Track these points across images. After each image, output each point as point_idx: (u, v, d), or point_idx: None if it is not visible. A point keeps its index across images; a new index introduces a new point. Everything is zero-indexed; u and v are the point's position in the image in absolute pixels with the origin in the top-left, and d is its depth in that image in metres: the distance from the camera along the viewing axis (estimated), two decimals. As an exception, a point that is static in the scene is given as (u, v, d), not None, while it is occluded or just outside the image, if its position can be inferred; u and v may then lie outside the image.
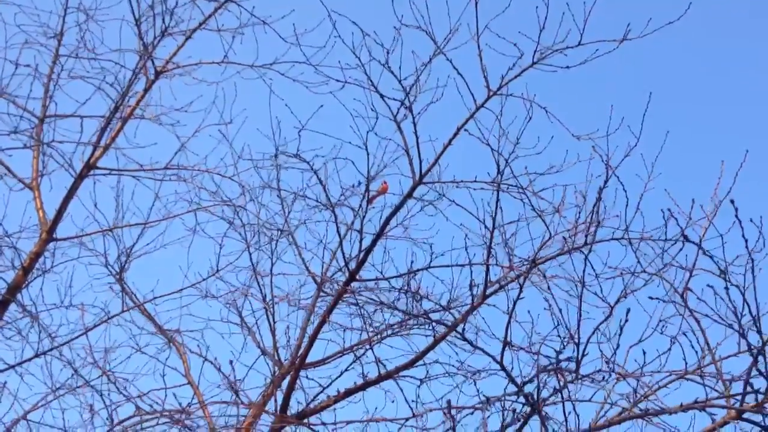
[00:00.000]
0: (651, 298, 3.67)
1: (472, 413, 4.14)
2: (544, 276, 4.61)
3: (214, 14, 6.65)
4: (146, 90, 6.44)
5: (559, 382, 3.95)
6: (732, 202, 3.38)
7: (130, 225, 5.96)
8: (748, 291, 3.35)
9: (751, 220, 3.47)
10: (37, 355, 5.51)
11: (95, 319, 5.67)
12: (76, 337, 5.56)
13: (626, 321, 3.38)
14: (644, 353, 3.38)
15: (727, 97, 12.47)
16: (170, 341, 5.67)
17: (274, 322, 5.57)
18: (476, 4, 5.38)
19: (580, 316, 3.54)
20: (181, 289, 5.84)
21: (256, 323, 5.67)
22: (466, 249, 4.82)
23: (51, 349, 5.53)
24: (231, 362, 5.27)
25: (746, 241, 3.32)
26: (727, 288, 3.34)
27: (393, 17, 5.44)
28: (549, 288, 4.32)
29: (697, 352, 3.63)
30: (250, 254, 5.79)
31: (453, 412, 3.80)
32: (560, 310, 3.66)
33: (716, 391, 3.74)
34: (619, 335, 3.43)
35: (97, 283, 5.84)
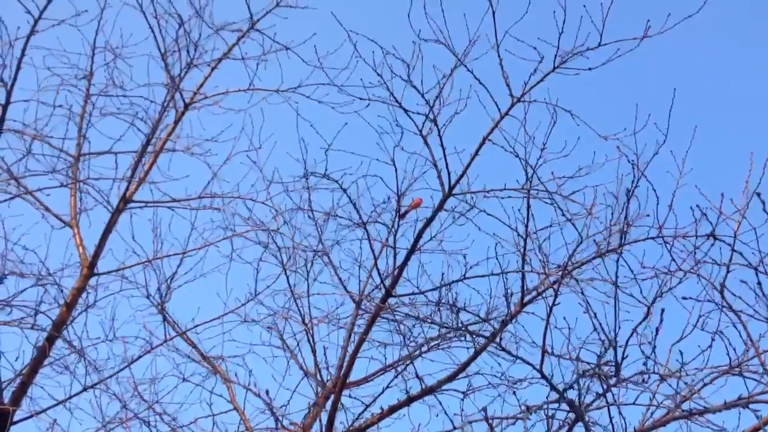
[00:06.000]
0: (684, 298, 3.61)
1: (514, 423, 4.11)
2: (577, 281, 4.57)
3: (237, 43, 6.76)
4: (176, 122, 6.55)
5: (602, 387, 3.91)
6: (758, 195, 3.32)
7: (169, 255, 6.05)
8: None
9: (780, 211, 3.41)
10: (84, 390, 5.59)
11: (140, 350, 5.75)
12: (122, 370, 5.66)
13: (661, 321, 3.34)
14: (681, 353, 3.33)
15: (754, 87, 12.27)
16: (214, 368, 5.73)
17: (315, 343, 5.62)
18: (494, 13, 5.40)
19: (617, 318, 3.49)
20: (222, 316, 5.91)
21: (298, 345, 5.73)
22: (497, 258, 4.80)
23: (98, 383, 5.61)
24: (267, 391, 5.32)
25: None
26: (759, 283, 3.28)
27: (412, 33, 5.49)
28: (583, 293, 4.27)
29: (735, 348, 3.55)
30: (287, 277, 5.86)
31: (493, 422, 3.76)
32: (595, 315, 3.61)
33: (762, 383, 3.67)
34: (655, 336, 3.37)
35: (139, 314, 5.94)
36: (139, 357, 5.72)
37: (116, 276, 6.00)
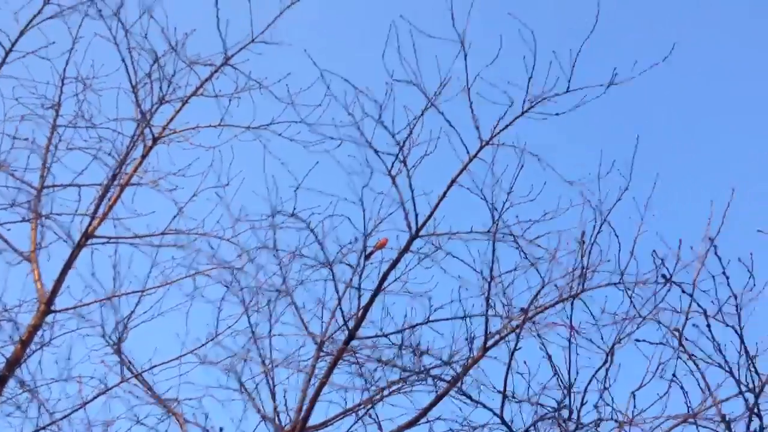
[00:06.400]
0: (644, 341, 3.55)
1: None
2: (536, 329, 4.52)
3: (210, 78, 6.69)
4: (144, 156, 6.44)
5: (561, 433, 3.82)
6: (714, 246, 3.30)
7: (128, 293, 5.90)
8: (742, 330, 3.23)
9: (739, 260, 3.38)
10: (37, 431, 5.42)
11: (94, 391, 5.59)
12: (75, 411, 5.49)
13: (618, 369, 3.27)
14: (634, 398, 3.25)
15: (715, 136, 12.50)
16: (169, 411, 5.57)
17: (274, 386, 5.47)
18: (465, 56, 5.44)
19: (575, 364, 3.43)
20: (180, 357, 5.75)
21: (256, 388, 5.58)
22: (460, 302, 4.76)
23: (50, 424, 5.45)
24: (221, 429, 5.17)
25: (730, 287, 3.22)
26: (710, 328, 3.23)
27: (385, 73, 5.50)
28: (542, 338, 4.21)
29: (689, 397, 3.48)
30: (249, 317, 5.73)
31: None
32: (551, 359, 3.54)
33: (717, 432, 3.59)
34: (608, 386, 3.31)
35: (95, 354, 5.78)
36: (94, 398, 5.55)
37: (73, 314, 5.85)
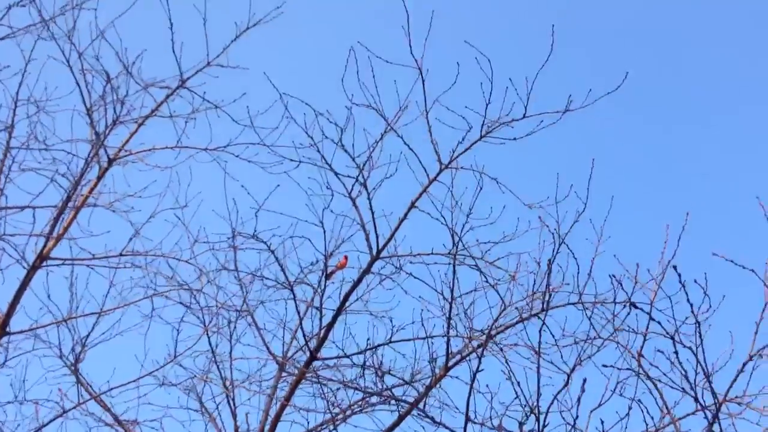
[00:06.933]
0: (605, 365, 3.69)
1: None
2: (501, 348, 4.64)
3: (166, 101, 6.68)
4: (99, 178, 6.39)
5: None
6: (675, 267, 3.46)
7: (85, 315, 5.85)
8: (700, 352, 3.40)
9: (695, 281, 3.55)
10: (-10, 456, 5.33)
11: (51, 413, 5.51)
12: (32, 434, 5.39)
13: (583, 391, 3.39)
14: (602, 422, 3.38)
15: (669, 158, 12.98)
16: (129, 433, 5.52)
17: (236, 407, 5.47)
18: (423, 81, 5.54)
19: (539, 386, 3.54)
20: (138, 378, 5.74)
21: (217, 408, 5.59)
22: (422, 323, 4.86)
23: (6, 448, 5.35)
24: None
25: (691, 305, 3.38)
26: (676, 352, 3.38)
27: (344, 97, 5.57)
28: (507, 359, 4.32)
29: (652, 416, 3.63)
30: (209, 337, 5.73)
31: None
32: (518, 383, 3.65)
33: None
34: (577, 406, 3.42)
35: (51, 375, 5.70)
36: (50, 421, 5.49)
37: (29, 335, 5.78)
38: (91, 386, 5.68)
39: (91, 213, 6.31)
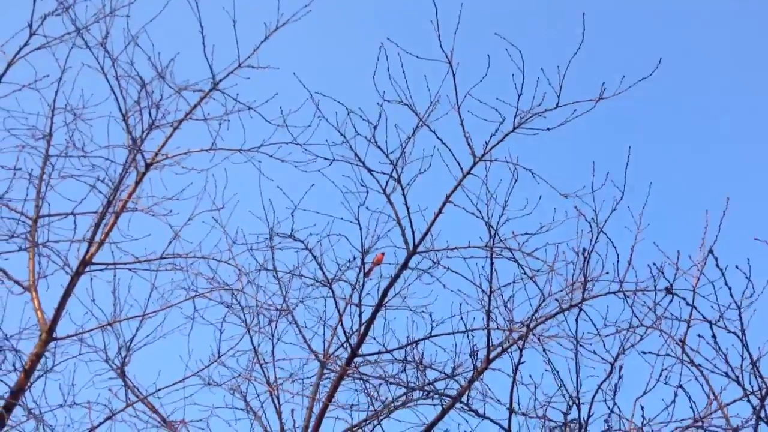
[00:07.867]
0: (644, 352, 3.67)
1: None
2: (539, 340, 4.63)
3: (199, 104, 6.75)
4: (137, 183, 6.49)
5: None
6: (711, 252, 3.43)
7: (129, 318, 5.95)
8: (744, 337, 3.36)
9: (736, 267, 3.51)
10: (45, 458, 5.44)
11: (100, 416, 5.62)
12: (84, 436, 5.50)
13: (620, 379, 3.38)
14: (642, 408, 3.36)
15: (707, 146, 12.78)
16: (176, 433, 5.61)
17: (280, 405, 5.54)
18: (454, 75, 5.54)
19: (578, 375, 3.53)
20: (184, 379, 5.81)
21: (262, 407, 5.65)
22: (461, 316, 4.85)
23: (60, 451, 5.46)
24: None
25: (730, 290, 3.34)
26: (714, 337, 3.35)
27: (375, 94, 5.59)
28: (546, 350, 4.33)
29: (695, 402, 3.59)
30: (251, 337, 5.80)
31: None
32: (558, 372, 3.65)
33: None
34: (614, 395, 3.41)
35: (98, 379, 5.81)
36: (100, 423, 5.58)
37: (75, 340, 5.88)
38: (137, 388, 5.79)
39: (130, 217, 6.41)
